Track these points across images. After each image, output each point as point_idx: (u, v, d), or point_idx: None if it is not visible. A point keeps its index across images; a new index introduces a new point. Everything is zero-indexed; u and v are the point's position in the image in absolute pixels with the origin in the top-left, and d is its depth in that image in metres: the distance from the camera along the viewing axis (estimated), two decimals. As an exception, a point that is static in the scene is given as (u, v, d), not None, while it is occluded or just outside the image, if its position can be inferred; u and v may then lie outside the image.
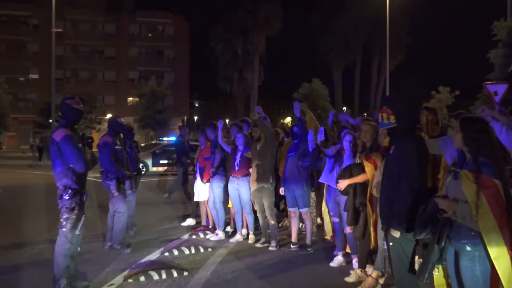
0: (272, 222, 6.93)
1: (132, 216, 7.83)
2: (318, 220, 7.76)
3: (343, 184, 5.36)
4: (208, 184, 7.80)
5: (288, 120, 45.58)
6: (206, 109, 63.15)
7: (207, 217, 8.26)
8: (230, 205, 7.71)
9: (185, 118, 51.70)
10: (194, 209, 8.94)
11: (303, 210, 6.59)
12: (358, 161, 5.48)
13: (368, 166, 5.14)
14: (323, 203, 6.34)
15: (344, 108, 47.31)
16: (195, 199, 8.29)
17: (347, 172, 5.39)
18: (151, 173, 19.68)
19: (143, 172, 16.60)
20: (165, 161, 20.39)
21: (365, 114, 53.89)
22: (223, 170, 7.59)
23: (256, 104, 38.31)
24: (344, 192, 5.41)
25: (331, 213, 6.02)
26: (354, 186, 5.30)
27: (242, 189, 7.16)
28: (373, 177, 5.03)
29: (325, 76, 44.79)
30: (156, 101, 40.86)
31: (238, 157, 7.19)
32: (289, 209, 6.84)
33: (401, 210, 3.59)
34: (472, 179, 3.05)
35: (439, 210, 3.17)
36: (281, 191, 6.85)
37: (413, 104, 3.95)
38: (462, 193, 3.09)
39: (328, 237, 6.54)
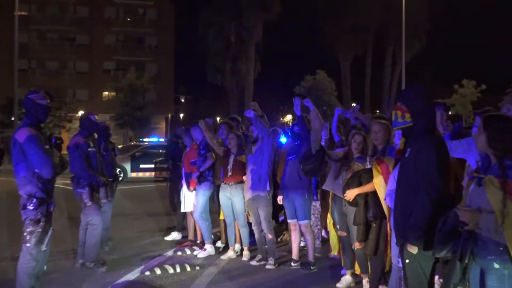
0: (270, 236, 6.94)
1: (107, 229, 7.83)
2: (323, 233, 7.77)
3: (351, 194, 5.38)
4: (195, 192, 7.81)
5: (288, 118, 45.70)
6: (193, 106, 63.22)
7: (195, 230, 8.26)
8: (222, 216, 7.72)
9: (170, 115, 51.77)
10: (180, 221, 8.94)
11: (303, 223, 6.61)
12: (369, 166, 5.49)
13: (379, 172, 5.16)
14: (329, 214, 6.36)
15: (353, 105, 47.20)
16: (182, 209, 8.30)
17: (356, 180, 5.40)
18: (130, 180, 19.68)
19: (120, 179, 16.66)
20: (147, 166, 20.40)
21: (377, 111, 53.99)
22: (211, 175, 7.61)
23: (252, 99, 38.30)
24: (353, 203, 5.42)
25: (337, 226, 6.03)
26: (365, 196, 5.31)
27: (235, 198, 7.18)
28: (385, 185, 5.05)
29: (332, 67, 44.98)
30: (136, 96, 40.87)
31: (230, 161, 7.21)
32: (289, 221, 6.85)
33: (418, 222, 3.59)
34: (497, 185, 3.05)
35: (460, 222, 3.17)
36: (279, 200, 6.87)
37: (432, 100, 3.97)
38: (486, 202, 3.10)
39: (334, 252, 6.55)
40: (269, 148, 6.97)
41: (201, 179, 7.58)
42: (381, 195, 5.11)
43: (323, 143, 6.70)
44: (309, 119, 6.73)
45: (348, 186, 5.47)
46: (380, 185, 5.10)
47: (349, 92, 47.33)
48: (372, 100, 48.13)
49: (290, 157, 6.72)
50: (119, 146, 28.81)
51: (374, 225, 5.29)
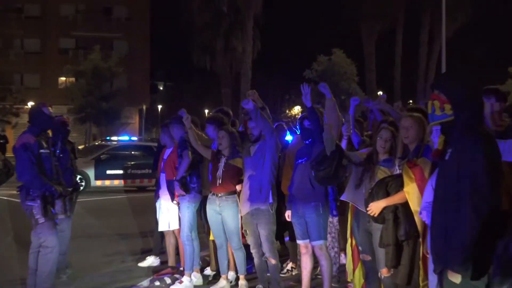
0: (273, 261, 6.95)
1: (65, 253, 7.83)
2: (343, 258, 7.79)
3: (376, 207, 5.38)
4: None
5: (297, 110, 45.73)
6: (175, 95, 63.31)
7: (177, 254, 8.27)
8: (212, 237, 7.73)
9: (144, 107, 51.77)
10: (158, 242, 8.93)
11: (317, 244, 6.61)
12: (398, 172, 5.49)
13: (411, 178, 5.16)
14: (349, 233, 6.35)
15: (380, 93, 47.25)
16: (160, 228, 8.31)
17: (382, 189, 5.41)
18: (94, 190, 19.69)
19: (81, 188, 16.60)
20: (115, 172, 20.43)
21: (410, 102, 53.87)
22: (196, 182, 7.64)
23: (250, 87, 38.26)
24: (379, 219, 5.43)
25: (360, 248, 6.05)
26: (394, 209, 5.32)
27: (226, 212, 7.20)
28: (419, 194, 5.06)
29: (352, 46, 44.91)
30: (102, 82, 40.88)
31: (221, 165, 7.23)
32: (299, 242, 6.86)
33: (462, 243, 3.59)
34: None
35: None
36: (287, 215, 6.87)
37: (479, 87, 3.98)
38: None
39: (349, 279, 6.56)
40: (272, 149, 6.97)
41: (183, 188, 7.60)
42: (414, 207, 5.11)
43: (343, 142, 6.73)
44: (322, 111, 6.75)
45: (372, 197, 5.47)
46: (413, 195, 5.11)
47: (374, 77, 47.33)
48: (403, 88, 48.17)
49: (299, 161, 6.72)
50: (80, 147, 28.79)
51: (407, 246, 5.29)
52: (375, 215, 5.42)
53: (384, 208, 5.36)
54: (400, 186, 5.28)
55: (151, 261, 8.82)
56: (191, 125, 7.46)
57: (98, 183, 20.20)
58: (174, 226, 8.09)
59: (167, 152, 8.22)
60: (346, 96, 36.99)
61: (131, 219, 11.63)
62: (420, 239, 5.21)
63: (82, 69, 41.54)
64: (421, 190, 5.08)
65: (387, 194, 5.35)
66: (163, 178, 8.17)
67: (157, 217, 8.31)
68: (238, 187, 7.20)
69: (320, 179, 6.19)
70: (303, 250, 6.81)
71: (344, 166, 6.12)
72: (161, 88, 68.12)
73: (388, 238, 5.35)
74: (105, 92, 41.20)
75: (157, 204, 8.34)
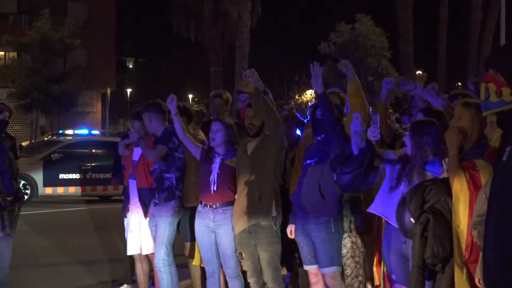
0: (278, 293, 6.98)
1: (4, 281, 7.84)
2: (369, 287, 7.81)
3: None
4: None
5: (309, 95, 45.67)
6: (149, 75, 63.29)
7: (152, 284, 8.27)
8: (197, 261, 7.76)
9: (109, 91, 51.66)
10: (128, 269, 8.92)
11: (328, 272, 6.62)
12: (444, 175, 5.50)
13: (462, 183, 5.17)
14: (377, 257, 6.37)
15: (419, 72, 47.00)
16: (129, 251, 8.32)
17: (417, 196, 5.43)
18: (43, 199, 19.69)
19: (25, 198, 16.55)
20: (70, 176, 20.46)
21: (458, 84, 53.64)
22: (177, 188, 7.66)
23: (247, 65, 38.20)
24: (410, 232, 5.50)
25: (393, 277, 6.08)
26: (425, 221, 5.38)
27: (224, 229, 7.21)
28: (466, 207, 5.08)
29: (382, 11, 44.87)
30: (52, 58, 40.78)
31: (215, 167, 7.25)
32: (306, 267, 6.89)
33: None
34: None
35: None
36: (289, 231, 6.90)
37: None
38: None
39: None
40: (277, 146, 7.00)
41: (159, 196, 7.59)
42: (457, 221, 5.13)
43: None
44: (343, 96, 6.75)
45: (403, 207, 5.50)
46: (459, 205, 5.12)
47: (411, 51, 47.14)
48: (449, 66, 48.18)
49: (308, 161, 6.75)
50: (24, 144, 28.77)
51: (441, 273, 5.37)
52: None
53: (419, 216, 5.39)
54: (442, 194, 5.29)
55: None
56: (177, 111, 7.44)
57: (48, 190, 20.22)
58: (148, 250, 8.05)
59: (138, 151, 8.15)
60: (374, 77, 36.92)
61: (93, 239, 11.60)
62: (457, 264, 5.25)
63: (26, 40, 41.31)
64: (472, 202, 5.11)
65: (423, 204, 5.38)
66: (133, 186, 8.13)
67: (126, 236, 8.29)
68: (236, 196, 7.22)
69: (345, 185, 6.16)
70: (313, 278, 6.84)
71: (376, 168, 6.13)
72: (131, 66, 68.22)
73: (414, 258, 5.42)
74: (57, 71, 41.05)
75: (126, 221, 8.31)
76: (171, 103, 7.38)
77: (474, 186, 5.13)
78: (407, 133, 6.01)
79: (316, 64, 6.50)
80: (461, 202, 5.18)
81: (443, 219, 5.29)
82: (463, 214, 5.13)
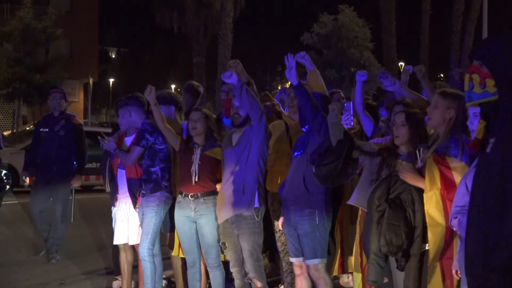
0: (259, 284, 6.98)
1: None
2: (348, 279, 7.81)
3: (410, 177, 5.45)
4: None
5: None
6: (132, 65, 63.07)
7: (134, 273, 8.27)
8: (177, 251, 7.76)
9: (91, 81, 51.47)
10: (116, 260, 8.91)
11: (312, 264, 6.63)
12: (420, 164, 5.55)
13: (433, 180, 5.19)
14: (356, 243, 6.44)
15: (401, 64, 47.24)
16: (115, 241, 8.24)
17: (384, 186, 5.50)
18: (26, 189, 19.55)
19: (7, 187, 16.45)
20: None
21: (441, 76, 53.85)
22: (164, 179, 7.65)
23: (230, 55, 38.16)
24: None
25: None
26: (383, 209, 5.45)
27: (206, 219, 7.21)
28: (441, 207, 5.12)
29: (364, 2, 44.88)
30: (34, 48, 40.55)
31: (195, 158, 7.24)
32: (291, 260, 6.91)
33: (508, 262, 3.63)
34: None
35: None
36: (278, 224, 6.91)
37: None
38: None
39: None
40: (261, 136, 6.96)
41: (146, 187, 7.58)
42: (430, 221, 5.22)
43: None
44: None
45: (372, 198, 5.56)
46: (432, 205, 5.18)
47: (394, 43, 47.17)
48: (432, 58, 48.24)
49: (295, 153, 6.75)
50: (6, 133, 28.61)
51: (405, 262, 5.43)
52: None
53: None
54: (409, 185, 5.37)
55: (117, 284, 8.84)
56: (156, 101, 7.42)
57: (30, 180, 20.07)
58: (134, 240, 7.99)
59: (127, 141, 8.09)
60: (357, 68, 36.87)
61: (79, 229, 11.51)
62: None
63: (7, 29, 41.01)
64: (445, 201, 5.18)
65: (387, 196, 5.44)
66: (122, 176, 8.07)
67: (113, 226, 8.26)
68: (218, 186, 7.21)
69: (323, 177, 6.17)
70: (297, 270, 6.83)
71: (354, 160, 6.15)
72: (114, 56, 67.96)
73: (371, 246, 5.54)
74: (39, 61, 40.79)
75: (113, 210, 8.28)
76: (150, 94, 7.37)
77: (447, 184, 5.18)
78: (392, 123, 6.01)
79: (290, 56, 6.57)
80: (433, 202, 5.22)
81: (400, 208, 5.35)
82: (438, 214, 5.18)
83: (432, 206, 5.23)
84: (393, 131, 5.86)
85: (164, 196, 7.60)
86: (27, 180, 11.00)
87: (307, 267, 6.68)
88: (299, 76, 6.52)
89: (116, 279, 8.86)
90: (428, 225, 5.27)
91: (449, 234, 5.22)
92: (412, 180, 5.41)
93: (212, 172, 7.25)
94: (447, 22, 48.58)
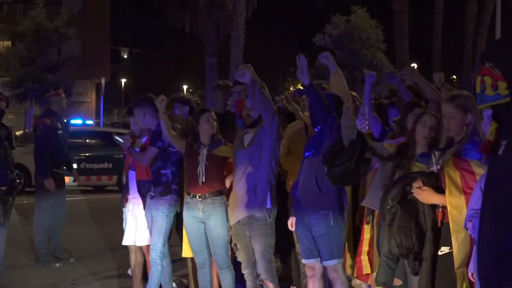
0: (271, 285, 6.98)
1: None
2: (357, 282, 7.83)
3: (424, 195, 5.37)
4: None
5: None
6: (143, 65, 63.14)
7: (144, 277, 8.28)
8: (187, 253, 7.76)
9: (103, 81, 51.59)
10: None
11: (330, 265, 6.63)
12: (436, 167, 5.52)
13: (456, 185, 5.17)
14: (365, 247, 6.40)
15: (413, 65, 47.14)
16: (124, 241, 8.31)
17: (399, 187, 5.45)
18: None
19: (20, 187, 16.50)
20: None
21: (453, 77, 53.70)
22: (174, 182, 7.67)
23: (242, 56, 38.19)
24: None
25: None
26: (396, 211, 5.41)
27: (213, 220, 7.23)
28: (464, 201, 5.10)
29: (378, 3, 44.82)
30: (47, 48, 40.65)
31: (202, 158, 7.26)
32: (304, 261, 6.89)
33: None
34: None
35: None
36: (290, 224, 6.89)
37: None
38: None
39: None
40: (273, 137, 6.98)
41: (155, 190, 7.59)
42: (454, 227, 5.16)
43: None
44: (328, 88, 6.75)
45: (385, 198, 5.52)
46: (457, 210, 5.15)
47: (406, 44, 47.05)
48: (445, 59, 48.12)
49: (306, 154, 6.74)
50: (18, 133, 28.65)
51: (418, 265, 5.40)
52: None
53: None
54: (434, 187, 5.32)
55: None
56: (165, 110, 7.44)
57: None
58: (142, 241, 8.03)
59: (139, 143, 8.13)
60: (369, 69, 36.83)
61: (91, 229, 11.55)
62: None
63: (20, 29, 41.17)
64: (467, 199, 5.11)
65: (402, 196, 5.39)
66: (132, 177, 8.13)
67: (124, 227, 8.28)
68: (227, 182, 7.22)
69: (335, 177, 6.18)
70: (309, 272, 6.82)
71: (367, 160, 6.14)
72: (126, 56, 68.07)
73: (382, 247, 5.55)
74: (51, 60, 40.86)
75: (124, 211, 8.30)
76: (161, 103, 7.38)
77: (468, 189, 5.14)
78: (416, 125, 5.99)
79: (302, 56, 6.53)
80: (456, 207, 5.19)
81: (413, 210, 5.32)
82: (461, 219, 5.14)
83: (457, 211, 5.19)
84: (420, 131, 5.85)
85: (174, 199, 7.63)
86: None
87: (325, 268, 6.68)
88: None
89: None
90: (451, 230, 5.21)
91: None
92: (427, 199, 5.36)
93: (220, 171, 7.30)
94: (460, 23, 48.48)
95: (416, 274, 5.47)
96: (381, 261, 5.55)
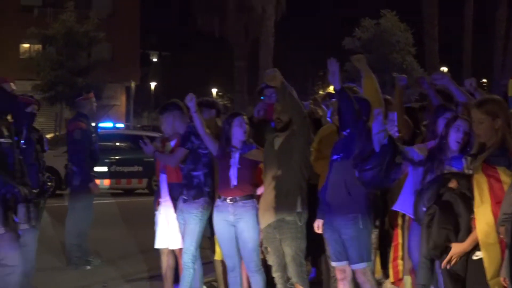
0: (301, 288, 6.97)
1: (29, 275, 7.86)
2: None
3: (457, 251, 5.33)
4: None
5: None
6: (173, 68, 63.21)
7: (175, 279, 8.29)
8: (218, 256, 7.77)
9: (133, 84, 51.85)
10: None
11: (359, 268, 6.62)
12: (468, 170, 5.49)
13: (483, 195, 5.13)
14: (401, 252, 6.36)
15: (443, 69, 46.88)
16: (156, 244, 8.35)
17: (434, 188, 5.42)
18: (67, 191, 19.70)
19: (51, 190, 16.55)
20: (95, 168, 20.36)
21: (484, 81, 53.31)
22: (206, 185, 7.67)
23: (272, 59, 38.21)
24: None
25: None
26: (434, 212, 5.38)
27: (243, 224, 7.23)
28: (496, 205, 5.06)
29: (408, 6, 44.63)
30: (77, 51, 40.87)
31: (234, 161, 7.26)
32: (333, 264, 6.89)
33: None
34: None
35: None
36: (316, 226, 6.88)
37: None
38: None
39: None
40: (304, 141, 7.00)
41: (188, 193, 7.60)
42: (483, 238, 5.12)
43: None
44: (357, 90, 6.74)
45: (419, 198, 5.53)
46: (483, 222, 5.10)
47: (436, 47, 46.89)
48: (475, 63, 47.81)
49: (334, 157, 6.73)
50: (48, 136, 28.75)
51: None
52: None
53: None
54: (461, 189, 5.29)
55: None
56: (197, 108, 7.46)
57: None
58: (175, 245, 8.06)
59: (171, 144, 8.14)
60: (399, 73, 36.70)
61: (121, 232, 11.57)
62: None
63: (51, 33, 41.43)
64: (496, 214, 5.05)
65: (439, 196, 5.36)
66: (163, 181, 8.16)
67: (156, 230, 8.30)
68: (258, 190, 7.21)
69: (367, 181, 6.20)
70: (339, 275, 6.82)
71: (397, 164, 6.13)
72: (155, 60, 68.05)
73: (421, 249, 5.57)
74: (81, 64, 41.11)
75: (156, 214, 8.31)
76: (191, 101, 7.40)
77: (495, 200, 5.10)
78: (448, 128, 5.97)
79: (333, 60, 6.52)
80: (484, 218, 5.14)
81: (451, 211, 5.28)
82: (490, 231, 5.10)
83: (484, 223, 5.13)
84: (453, 135, 5.86)
85: (206, 202, 7.63)
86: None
87: (354, 271, 6.67)
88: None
89: None
90: (480, 241, 5.17)
91: (504, 250, 5.12)
92: (462, 249, 5.31)
93: (251, 175, 7.29)
94: (490, 27, 48.14)
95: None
96: (420, 263, 5.56)
